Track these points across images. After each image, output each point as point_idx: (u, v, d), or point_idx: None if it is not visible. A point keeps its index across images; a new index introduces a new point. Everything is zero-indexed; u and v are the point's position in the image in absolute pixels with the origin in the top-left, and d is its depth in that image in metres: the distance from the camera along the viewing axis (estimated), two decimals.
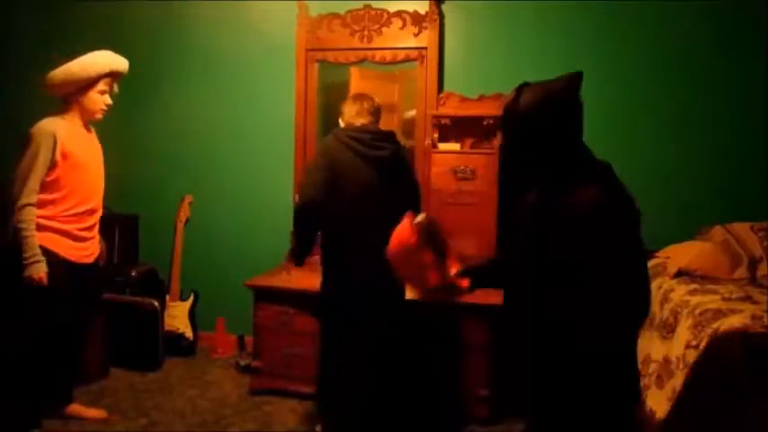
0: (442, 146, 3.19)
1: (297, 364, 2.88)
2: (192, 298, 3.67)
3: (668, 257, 2.86)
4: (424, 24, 3.28)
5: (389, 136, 2.53)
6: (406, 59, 3.34)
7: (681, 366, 2.25)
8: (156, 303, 3.42)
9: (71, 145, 2.50)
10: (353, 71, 3.47)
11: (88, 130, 2.66)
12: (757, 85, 3.04)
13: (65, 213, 2.51)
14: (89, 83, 2.53)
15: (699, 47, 3.12)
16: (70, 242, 2.54)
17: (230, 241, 3.75)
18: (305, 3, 3.45)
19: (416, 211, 2.46)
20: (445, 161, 3.12)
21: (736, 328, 2.08)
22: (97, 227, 2.71)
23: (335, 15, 3.41)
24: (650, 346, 2.57)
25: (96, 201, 2.66)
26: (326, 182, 2.38)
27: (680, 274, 2.75)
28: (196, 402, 3.03)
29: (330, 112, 3.58)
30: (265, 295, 3.06)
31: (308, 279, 2.80)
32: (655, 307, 2.69)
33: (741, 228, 2.90)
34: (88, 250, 2.64)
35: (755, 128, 3.06)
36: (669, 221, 3.13)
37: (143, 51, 3.82)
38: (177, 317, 3.63)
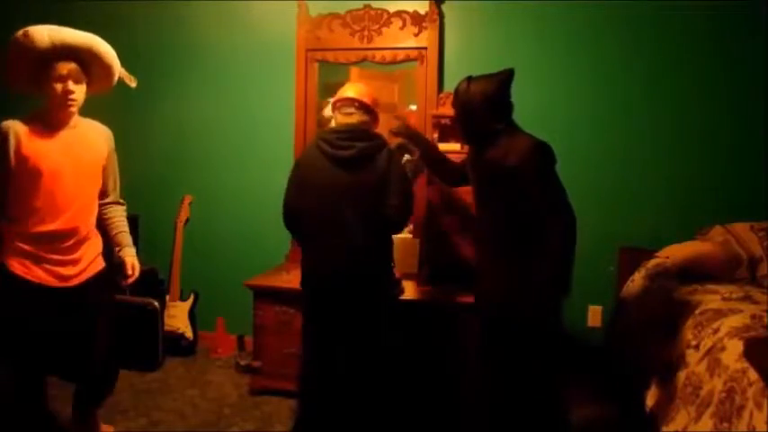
0: (442, 146, 3.17)
1: (297, 364, 2.86)
2: (191, 298, 3.67)
3: (668, 257, 2.86)
4: (424, 24, 3.28)
5: (360, 134, 2.38)
6: (406, 59, 3.34)
7: (681, 366, 2.25)
8: (156, 303, 3.42)
9: (32, 148, 2.07)
10: (353, 71, 3.47)
11: (62, 128, 2.17)
12: (757, 85, 3.04)
13: (29, 232, 2.10)
14: (31, 64, 2.07)
15: (698, 47, 3.12)
16: (42, 265, 2.14)
17: (230, 241, 3.75)
18: (305, 3, 3.45)
19: (391, 215, 2.36)
20: None
21: (736, 328, 2.08)
22: (87, 247, 2.25)
23: (335, 15, 3.41)
24: (650, 347, 2.57)
25: (72, 220, 2.16)
26: (297, 185, 2.43)
27: (680, 273, 2.75)
28: (196, 402, 3.03)
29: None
30: (265, 295, 3.06)
31: None
32: (656, 308, 2.69)
33: (741, 228, 2.91)
34: (70, 271, 2.20)
35: (755, 128, 3.06)
36: (669, 221, 3.14)
37: (143, 52, 3.83)
38: (177, 317, 3.63)
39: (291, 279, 3.10)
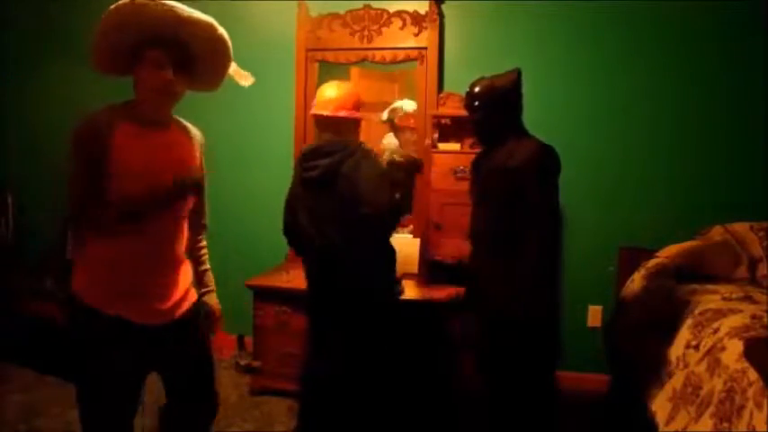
0: (442, 146, 3.19)
1: (296, 364, 2.87)
2: None
3: (668, 257, 2.86)
4: (424, 24, 3.28)
5: (326, 151, 2.28)
6: (406, 59, 3.34)
7: (681, 366, 2.25)
8: None
9: (123, 147, 1.62)
10: (353, 71, 3.47)
11: (156, 126, 1.72)
12: (757, 85, 3.04)
13: (108, 252, 1.66)
14: (130, 40, 1.64)
15: (698, 47, 3.12)
16: (124, 296, 1.67)
17: (230, 241, 3.75)
18: (305, 3, 3.44)
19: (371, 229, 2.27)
20: (445, 161, 3.12)
21: (736, 328, 2.08)
22: (182, 274, 1.83)
23: (335, 15, 3.41)
24: (650, 347, 2.57)
25: (160, 239, 1.73)
26: (289, 206, 2.44)
27: (680, 273, 2.75)
28: None
29: None
30: (265, 295, 3.06)
31: None
32: (656, 308, 2.69)
33: (741, 228, 2.91)
34: (160, 305, 1.73)
35: (755, 127, 3.06)
36: (669, 221, 3.14)
37: None
38: None
39: (291, 279, 3.10)
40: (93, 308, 1.65)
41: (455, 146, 3.18)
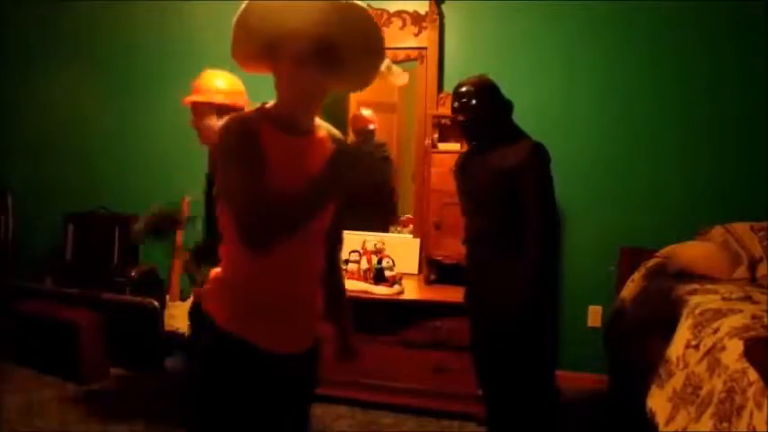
0: (442, 146, 3.19)
1: None
2: (192, 298, 3.67)
3: (668, 257, 2.86)
4: (424, 24, 3.28)
5: None
6: (406, 59, 3.34)
7: (681, 366, 2.25)
8: (156, 303, 3.42)
9: (274, 152, 1.41)
10: None
11: (294, 131, 1.46)
12: (758, 85, 3.04)
13: (246, 269, 1.42)
14: (271, 33, 1.41)
15: (699, 47, 3.12)
16: (265, 320, 1.43)
17: None
18: None
19: None
20: (445, 161, 3.11)
21: (736, 328, 2.08)
22: (318, 298, 1.54)
23: None
24: (650, 347, 2.57)
25: (299, 257, 1.45)
26: None
27: (680, 274, 2.75)
28: None
29: (330, 111, 3.58)
30: None
31: None
32: (656, 308, 2.69)
33: (741, 228, 2.90)
34: (301, 330, 1.50)
35: (756, 128, 3.06)
36: (669, 221, 3.14)
37: (143, 51, 3.83)
38: (177, 317, 3.62)
39: None
40: (227, 331, 1.41)
41: (455, 146, 3.18)
